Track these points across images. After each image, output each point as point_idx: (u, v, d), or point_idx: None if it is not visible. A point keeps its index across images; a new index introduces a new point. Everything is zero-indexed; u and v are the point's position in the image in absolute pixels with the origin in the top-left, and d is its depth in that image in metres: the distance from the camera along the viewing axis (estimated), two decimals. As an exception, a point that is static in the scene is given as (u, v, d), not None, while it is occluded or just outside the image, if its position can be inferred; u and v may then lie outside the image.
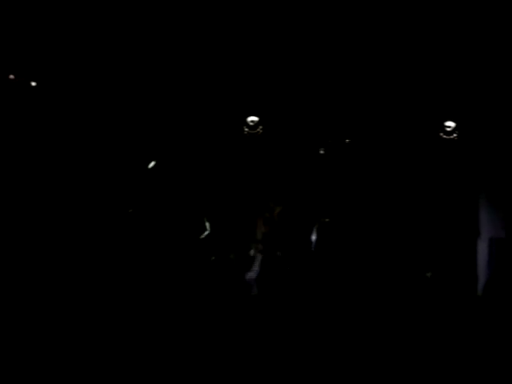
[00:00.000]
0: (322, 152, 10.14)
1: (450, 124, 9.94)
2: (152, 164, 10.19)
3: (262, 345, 7.16)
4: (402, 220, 10.02)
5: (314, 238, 10.00)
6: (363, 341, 7.47)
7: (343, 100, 10.02)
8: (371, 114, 9.98)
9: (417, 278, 9.81)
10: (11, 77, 9.74)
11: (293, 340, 7.36)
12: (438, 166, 10.07)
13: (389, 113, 10.08)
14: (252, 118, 10.27)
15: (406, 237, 9.94)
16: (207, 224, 10.19)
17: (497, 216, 9.87)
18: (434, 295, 9.59)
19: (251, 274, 9.71)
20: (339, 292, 9.53)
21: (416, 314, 8.97)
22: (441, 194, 10.04)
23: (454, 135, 9.93)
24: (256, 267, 9.78)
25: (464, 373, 6.56)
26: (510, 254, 9.72)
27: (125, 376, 6.04)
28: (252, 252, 9.87)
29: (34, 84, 9.80)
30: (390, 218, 10.10)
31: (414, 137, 10.15)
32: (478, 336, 8.22)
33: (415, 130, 10.11)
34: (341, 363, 6.58)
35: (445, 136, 9.95)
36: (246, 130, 10.30)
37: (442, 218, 9.91)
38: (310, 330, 7.94)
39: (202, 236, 10.16)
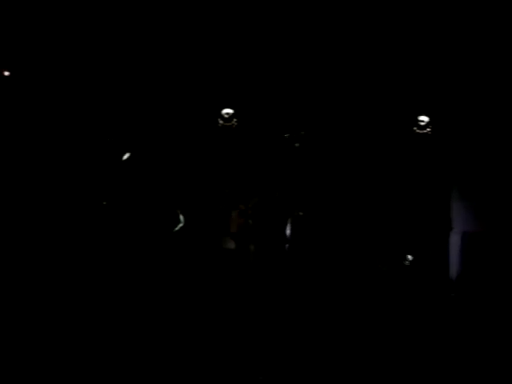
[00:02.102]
0: (296, 145, 10.13)
1: (424, 118, 9.98)
2: (126, 156, 10.13)
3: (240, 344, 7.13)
4: (374, 213, 10.06)
5: (288, 231, 10.01)
6: (338, 335, 7.47)
7: (318, 92, 10.02)
8: (345, 106, 10.00)
9: (389, 271, 9.83)
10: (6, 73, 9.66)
11: (270, 335, 7.32)
12: (411, 159, 10.10)
13: (362, 106, 10.10)
14: (227, 111, 10.24)
15: (378, 230, 9.97)
16: (181, 216, 10.15)
17: (469, 210, 9.92)
18: (405, 289, 9.62)
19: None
20: (314, 286, 9.56)
21: (387, 310, 9.07)
22: (413, 187, 10.08)
23: (428, 130, 9.96)
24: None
25: (432, 370, 6.69)
26: (482, 249, 9.77)
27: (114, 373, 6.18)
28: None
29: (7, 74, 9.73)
30: (362, 211, 10.12)
31: (387, 130, 10.19)
32: (448, 332, 8.34)
33: (388, 124, 10.15)
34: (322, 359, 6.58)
35: (418, 130, 9.98)
36: (221, 122, 10.27)
37: (414, 212, 9.96)
38: (289, 325, 7.90)
39: (176, 229, 10.12)
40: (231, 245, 9.97)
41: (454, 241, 9.86)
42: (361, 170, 10.08)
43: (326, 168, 10.16)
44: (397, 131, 10.07)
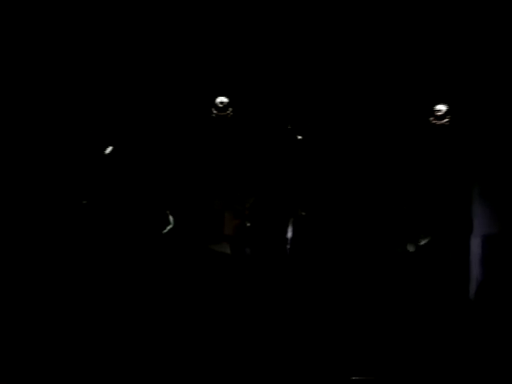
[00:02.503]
0: (299, 138, 9.08)
1: (441, 107, 8.94)
2: (109, 150, 9.06)
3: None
4: (387, 215, 9.03)
5: (289, 234, 8.97)
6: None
7: (324, 78, 8.98)
8: (355, 93, 8.96)
9: (406, 277, 8.82)
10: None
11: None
12: (427, 153, 9.07)
13: (373, 93, 9.06)
14: (221, 99, 9.17)
15: (392, 233, 8.95)
16: (170, 218, 9.10)
17: (491, 211, 8.93)
18: (423, 294, 8.66)
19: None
20: (319, 297, 8.56)
21: (404, 316, 8.27)
22: (430, 185, 9.04)
23: (446, 120, 8.92)
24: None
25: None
26: (504, 252, 8.81)
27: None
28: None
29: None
30: (374, 211, 9.09)
31: (400, 121, 9.15)
32: (469, 338, 7.70)
33: (402, 113, 9.11)
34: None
35: (435, 121, 8.94)
36: (215, 112, 9.20)
37: (431, 213, 8.93)
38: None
39: (165, 231, 9.07)
40: (226, 248, 8.90)
41: (475, 244, 8.87)
42: (372, 166, 9.03)
43: (332, 163, 9.09)
44: (411, 122, 9.02)
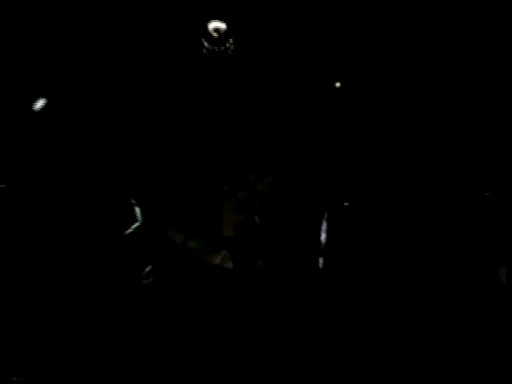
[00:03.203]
0: (337, 85, 5.74)
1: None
2: (39, 104, 5.71)
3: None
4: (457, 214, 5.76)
5: (323, 236, 5.67)
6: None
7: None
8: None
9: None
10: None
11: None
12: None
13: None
14: (216, 25, 5.82)
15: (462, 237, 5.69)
16: (137, 210, 5.82)
17: None
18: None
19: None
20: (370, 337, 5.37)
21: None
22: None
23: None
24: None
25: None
26: None
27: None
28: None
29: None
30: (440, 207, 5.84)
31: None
32: None
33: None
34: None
35: None
36: (207, 45, 5.86)
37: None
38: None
39: (129, 230, 5.78)
40: (226, 261, 5.62)
41: None
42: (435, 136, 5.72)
43: (392, 132, 5.79)
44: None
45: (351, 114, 5.92)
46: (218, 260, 5.57)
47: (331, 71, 5.70)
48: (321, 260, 5.57)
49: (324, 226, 5.66)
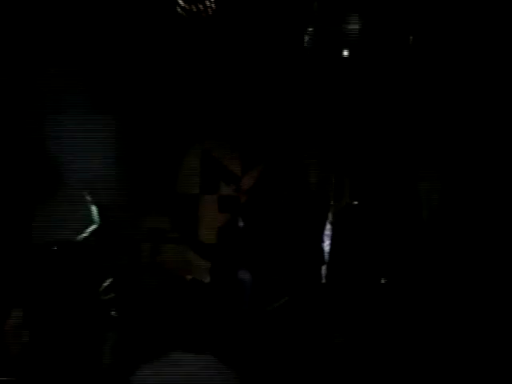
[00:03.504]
0: (346, 54, 4.59)
1: None
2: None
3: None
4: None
5: (326, 243, 4.51)
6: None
7: None
8: None
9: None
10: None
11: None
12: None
13: None
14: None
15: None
16: (93, 208, 4.64)
17: None
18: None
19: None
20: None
21: None
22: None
23: None
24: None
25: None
26: None
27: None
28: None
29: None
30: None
31: None
32: None
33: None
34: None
35: None
36: (182, 3, 4.70)
37: None
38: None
39: (83, 234, 4.60)
40: (203, 274, 4.43)
41: None
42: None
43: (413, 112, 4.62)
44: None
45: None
46: (195, 274, 4.39)
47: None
48: (323, 273, 4.41)
49: (328, 231, 4.50)
